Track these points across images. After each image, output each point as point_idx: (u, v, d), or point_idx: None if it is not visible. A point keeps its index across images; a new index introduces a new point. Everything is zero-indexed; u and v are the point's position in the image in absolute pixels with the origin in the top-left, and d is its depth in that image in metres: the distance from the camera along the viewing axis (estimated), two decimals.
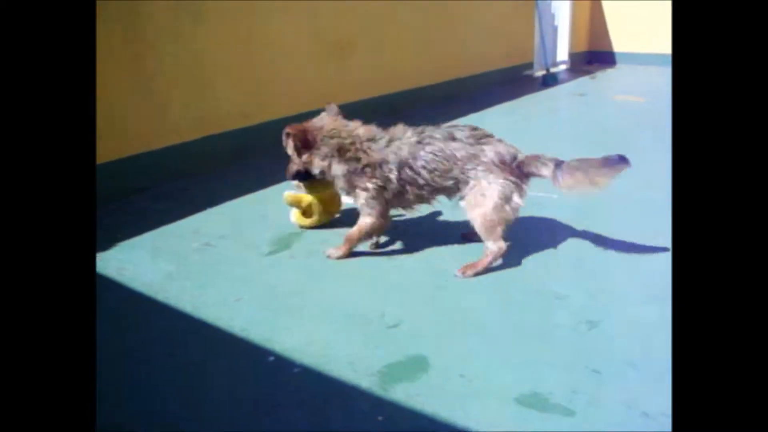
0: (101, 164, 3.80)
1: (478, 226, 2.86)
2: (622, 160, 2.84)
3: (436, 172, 2.85)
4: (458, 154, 2.84)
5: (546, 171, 2.86)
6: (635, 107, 7.08)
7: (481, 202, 2.83)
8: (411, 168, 2.87)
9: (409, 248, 3.14)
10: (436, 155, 2.84)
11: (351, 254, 3.06)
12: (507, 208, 2.84)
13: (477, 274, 2.83)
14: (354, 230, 3.01)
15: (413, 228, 3.40)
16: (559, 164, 2.86)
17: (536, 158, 2.89)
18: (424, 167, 2.86)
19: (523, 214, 3.40)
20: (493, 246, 2.85)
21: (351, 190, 2.96)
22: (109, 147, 3.92)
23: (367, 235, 3.02)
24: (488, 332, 2.39)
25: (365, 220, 2.98)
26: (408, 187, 2.91)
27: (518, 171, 2.86)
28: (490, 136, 2.97)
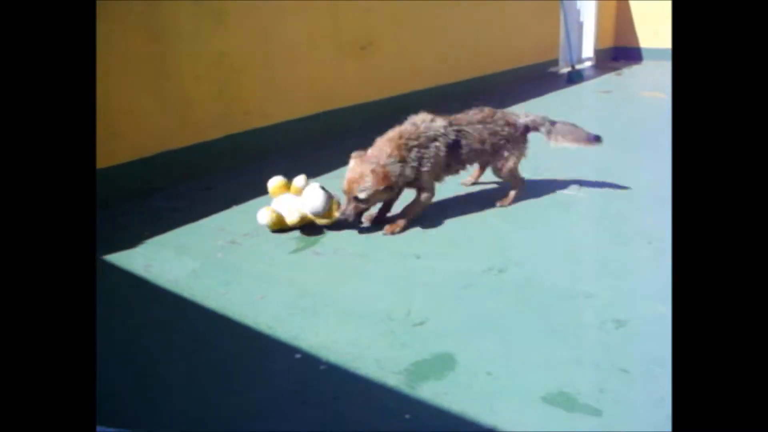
0: (122, 164, 3.84)
1: (506, 176, 3.68)
2: (597, 139, 3.71)
3: (472, 151, 3.51)
4: (485, 135, 3.52)
5: (543, 129, 3.69)
6: (662, 103, 6.99)
7: (504, 164, 3.63)
8: (457, 148, 3.45)
9: (434, 248, 3.13)
10: (471, 138, 3.49)
11: (375, 253, 3.05)
12: (520, 159, 3.69)
13: (512, 203, 3.64)
14: (415, 206, 3.42)
15: (437, 228, 3.39)
16: (553, 123, 3.71)
17: (534, 120, 3.69)
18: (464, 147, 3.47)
19: (548, 212, 3.39)
20: (518, 183, 3.70)
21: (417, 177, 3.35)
22: (131, 146, 3.95)
23: (424, 208, 3.44)
24: (514, 331, 2.37)
25: (426, 195, 3.42)
26: (452, 163, 3.47)
27: (525, 132, 3.67)
28: (495, 111, 3.66)
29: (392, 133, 3.35)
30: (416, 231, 3.32)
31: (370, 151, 3.30)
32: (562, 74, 8.74)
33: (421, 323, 2.42)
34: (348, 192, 3.21)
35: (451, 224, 3.44)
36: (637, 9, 10.91)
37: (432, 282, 2.76)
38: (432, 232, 3.30)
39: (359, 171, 3.19)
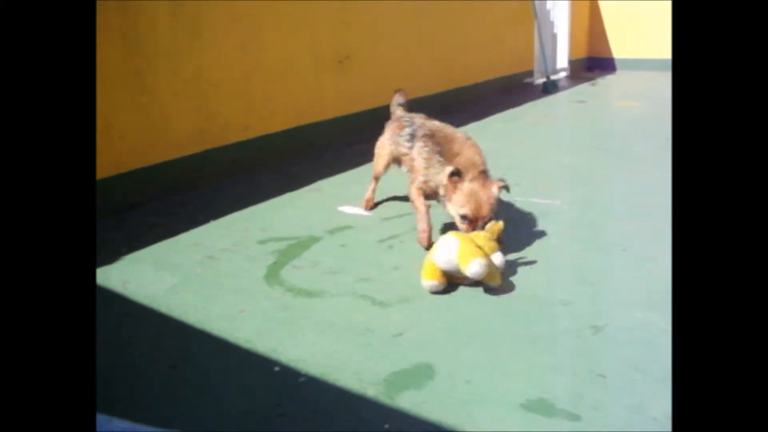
0: (101, 179, 3.81)
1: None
2: None
3: None
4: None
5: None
6: (635, 112, 7.08)
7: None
8: None
9: (413, 260, 3.14)
10: None
11: (353, 266, 3.06)
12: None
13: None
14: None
15: (416, 240, 3.40)
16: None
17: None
18: None
19: (525, 221, 3.41)
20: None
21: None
22: (109, 162, 3.92)
23: None
24: (493, 339, 2.39)
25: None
26: None
27: None
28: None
29: (456, 135, 3.23)
30: (395, 242, 3.33)
31: (457, 161, 3.01)
32: (538, 85, 8.82)
33: (400, 334, 2.43)
34: (482, 216, 2.92)
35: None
36: (609, 21, 11.07)
37: (411, 293, 2.77)
38: (411, 244, 3.31)
39: (487, 191, 2.93)
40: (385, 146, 3.71)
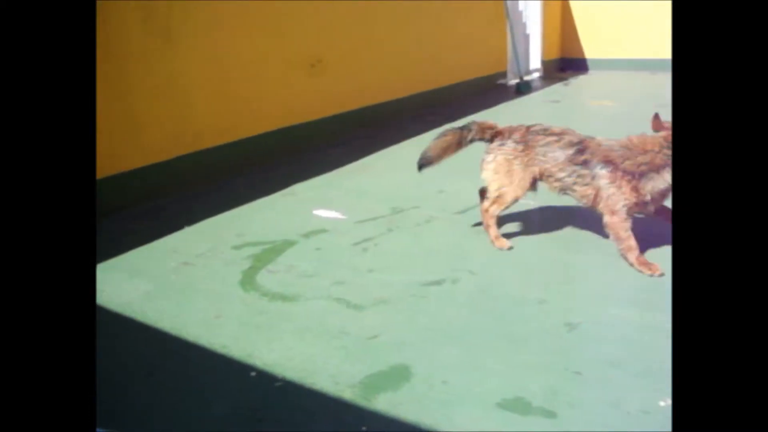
0: None
1: None
2: None
3: None
4: None
5: None
6: (611, 111, 7.14)
7: None
8: None
9: (388, 261, 3.15)
10: None
11: (328, 269, 3.06)
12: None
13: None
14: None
15: (390, 242, 3.41)
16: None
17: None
18: None
19: (502, 222, 3.43)
20: None
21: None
22: None
23: None
24: (469, 339, 2.40)
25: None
26: None
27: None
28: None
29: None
30: (369, 245, 3.33)
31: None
32: (511, 85, 8.87)
33: (375, 336, 2.43)
34: None
35: (405, 237, 3.45)
36: (581, 22, 11.19)
37: (386, 295, 2.77)
38: (385, 246, 3.32)
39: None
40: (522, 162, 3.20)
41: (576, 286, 2.81)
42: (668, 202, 2.90)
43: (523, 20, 9.71)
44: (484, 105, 7.32)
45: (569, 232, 3.43)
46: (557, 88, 9.18)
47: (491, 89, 8.62)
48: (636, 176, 2.86)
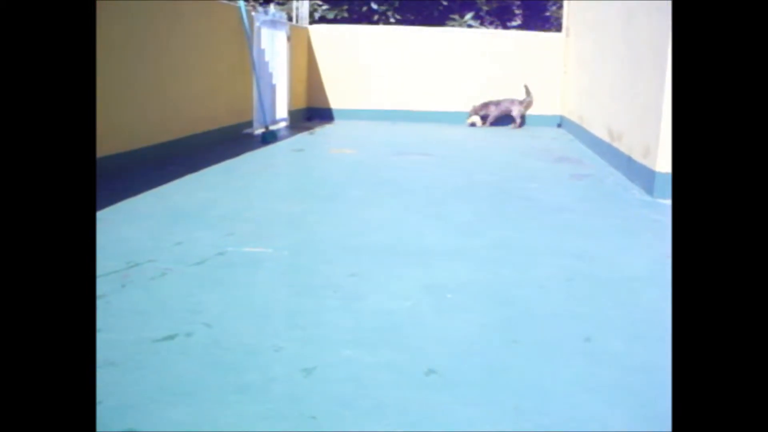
0: None
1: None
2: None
3: None
4: None
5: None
6: (350, 158, 7.46)
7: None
8: None
9: (116, 320, 2.97)
10: None
11: None
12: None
13: None
14: None
15: (118, 296, 3.23)
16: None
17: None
18: None
19: (236, 271, 3.39)
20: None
21: None
22: None
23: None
24: (200, 394, 2.30)
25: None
26: None
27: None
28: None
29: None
30: (100, 303, 3.10)
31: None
32: (257, 135, 8.93)
33: (99, 402, 2.25)
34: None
35: (139, 292, 3.27)
36: (326, 73, 11.80)
37: (113, 357, 2.57)
38: (116, 303, 3.12)
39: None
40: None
41: (312, 331, 2.83)
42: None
43: (270, 70, 9.85)
44: (228, 155, 7.27)
45: (306, 277, 3.48)
46: (303, 137, 9.42)
47: (237, 139, 8.60)
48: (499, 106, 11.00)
